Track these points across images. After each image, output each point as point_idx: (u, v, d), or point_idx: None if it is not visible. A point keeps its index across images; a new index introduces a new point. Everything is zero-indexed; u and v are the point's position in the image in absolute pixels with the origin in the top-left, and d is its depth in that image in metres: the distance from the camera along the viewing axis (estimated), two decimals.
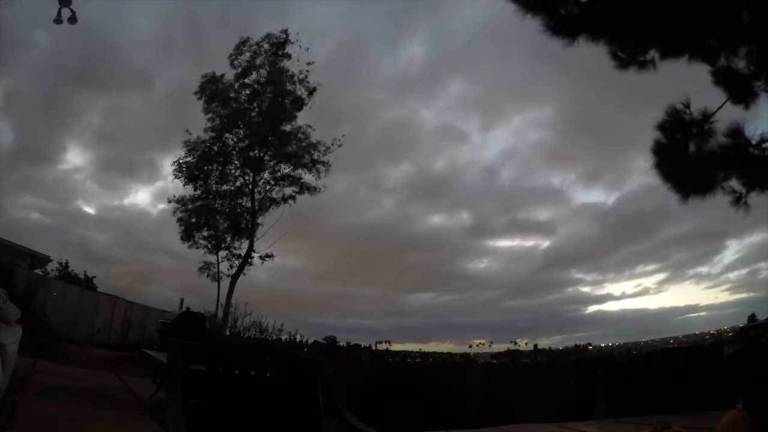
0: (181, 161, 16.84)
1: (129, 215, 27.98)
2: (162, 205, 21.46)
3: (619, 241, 35.50)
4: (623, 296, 34.74)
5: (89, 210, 28.84)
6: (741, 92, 4.99)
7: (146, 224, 27.59)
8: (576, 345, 25.90)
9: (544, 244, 39.74)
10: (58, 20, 6.73)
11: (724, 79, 5.05)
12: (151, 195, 29.32)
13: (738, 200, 5.12)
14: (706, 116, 5.22)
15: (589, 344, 25.50)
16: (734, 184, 5.15)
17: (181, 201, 16.79)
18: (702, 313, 29.42)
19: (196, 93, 17.08)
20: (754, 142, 4.94)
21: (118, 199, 29.95)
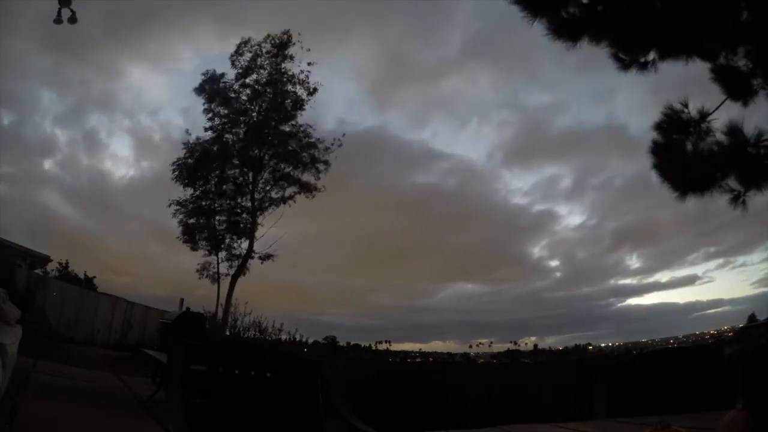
0: (180, 162, 16.82)
1: None
2: None
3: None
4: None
5: None
6: (740, 90, 4.99)
7: None
8: (576, 345, 25.93)
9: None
10: (58, 20, 6.73)
11: (723, 76, 5.05)
12: None
13: (736, 199, 5.12)
14: (704, 115, 5.22)
15: (589, 344, 25.51)
16: (732, 182, 5.14)
17: (181, 203, 16.79)
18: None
19: (195, 90, 17.11)
20: (752, 141, 4.94)
21: None
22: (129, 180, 31.35)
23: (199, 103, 17.16)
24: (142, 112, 36.59)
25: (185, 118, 26.71)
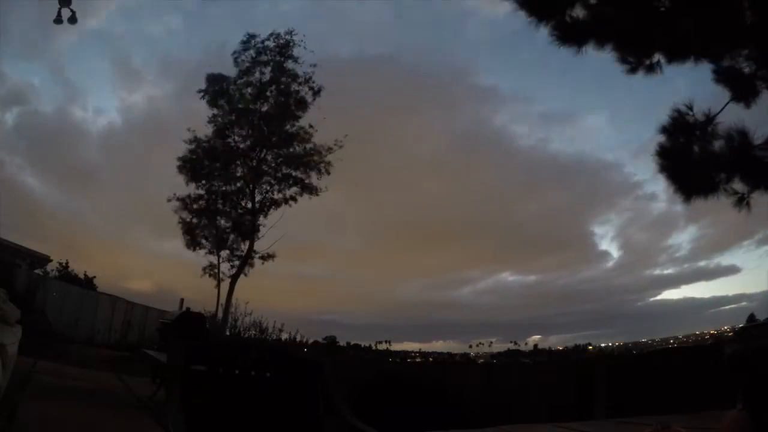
0: (186, 158, 16.80)
1: None
2: None
3: None
4: None
5: None
6: (744, 91, 4.99)
7: None
8: (576, 345, 25.93)
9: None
10: (58, 20, 6.73)
11: (727, 77, 5.06)
12: None
13: (741, 201, 5.13)
14: (710, 118, 5.23)
15: (589, 344, 25.51)
16: (737, 185, 5.15)
17: (183, 200, 16.78)
18: None
19: (200, 92, 17.11)
20: (756, 144, 4.95)
21: None
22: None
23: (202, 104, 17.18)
24: None
25: None
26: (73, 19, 6.75)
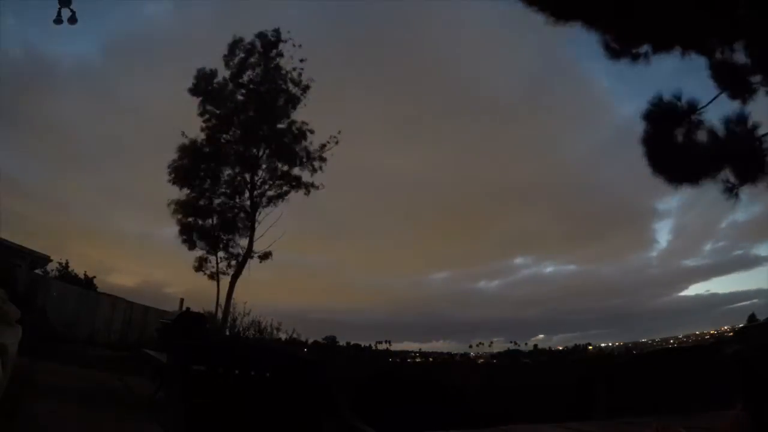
0: (176, 165, 16.80)
1: None
2: None
3: None
4: None
5: None
6: (739, 87, 4.98)
7: None
8: (576, 345, 25.94)
9: None
10: (58, 20, 6.72)
11: (721, 73, 5.04)
12: None
13: (730, 190, 5.12)
14: (693, 107, 5.21)
15: (589, 344, 25.52)
16: (727, 174, 5.14)
17: (177, 203, 16.80)
18: None
19: (190, 90, 17.10)
20: (747, 135, 4.94)
21: None
22: None
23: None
24: None
25: None
26: (73, 20, 6.74)
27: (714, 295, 32.55)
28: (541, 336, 27.49)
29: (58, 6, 6.60)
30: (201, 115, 16.88)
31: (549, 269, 40.34)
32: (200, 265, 16.62)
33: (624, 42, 5.06)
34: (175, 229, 16.84)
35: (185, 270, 17.08)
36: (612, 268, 39.42)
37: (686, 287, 40.07)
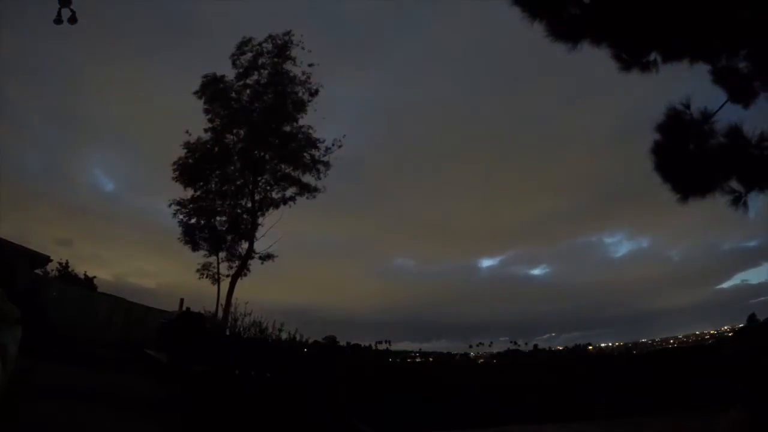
0: (181, 162, 16.80)
1: None
2: None
3: None
4: None
5: None
6: (741, 92, 4.99)
7: None
8: (576, 345, 25.97)
9: None
10: (58, 20, 6.72)
11: (724, 78, 5.05)
12: None
13: (737, 200, 5.12)
14: (706, 116, 5.22)
15: (589, 344, 25.55)
16: (734, 184, 5.15)
17: (181, 203, 16.80)
18: None
19: (196, 93, 17.08)
20: (753, 142, 4.94)
21: None
22: None
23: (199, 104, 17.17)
24: None
25: None
26: (73, 19, 6.74)
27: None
28: (546, 336, 27.42)
29: (59, 6, 6.60)
30: (206, 112, 16.90)
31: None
32: (204, 268, 16.64)
33: (634, 53, 5.11)
34: (177, 230, 16.89)
35: (186, 270, 17.08)
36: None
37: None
